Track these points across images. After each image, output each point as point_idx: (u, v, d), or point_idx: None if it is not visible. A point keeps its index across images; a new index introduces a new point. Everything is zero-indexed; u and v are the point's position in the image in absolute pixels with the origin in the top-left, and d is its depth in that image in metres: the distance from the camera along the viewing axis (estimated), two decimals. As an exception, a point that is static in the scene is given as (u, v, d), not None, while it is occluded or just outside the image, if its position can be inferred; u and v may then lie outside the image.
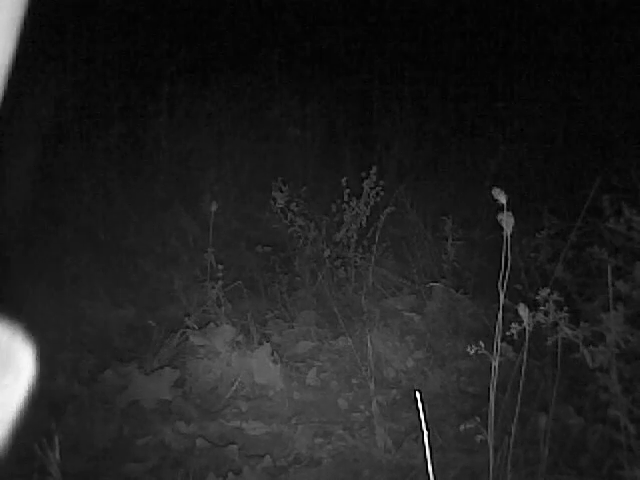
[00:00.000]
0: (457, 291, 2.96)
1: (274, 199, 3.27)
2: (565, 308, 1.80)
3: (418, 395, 1.44)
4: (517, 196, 3.64)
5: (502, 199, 1.51)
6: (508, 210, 1.52)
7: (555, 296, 1.79)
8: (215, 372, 2.61)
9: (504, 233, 1.54)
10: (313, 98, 4.76)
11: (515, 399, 1.79)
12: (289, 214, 3.26)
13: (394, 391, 2.55)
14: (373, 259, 3.17)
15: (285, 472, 2.14)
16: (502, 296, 1.61)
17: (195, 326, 2.76)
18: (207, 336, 2.70)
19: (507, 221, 1.52)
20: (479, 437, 1.75)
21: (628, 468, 1.76)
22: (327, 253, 3.22)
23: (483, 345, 1.71)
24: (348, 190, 3.18)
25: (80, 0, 4.45)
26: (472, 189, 4.13)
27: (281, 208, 3.27)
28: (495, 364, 1.67)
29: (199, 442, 2.25)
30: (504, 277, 1.58)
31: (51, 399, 2.47)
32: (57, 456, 1.53)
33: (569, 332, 1.78)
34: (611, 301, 1.80)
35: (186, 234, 3.74)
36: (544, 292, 1.79)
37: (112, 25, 4.50)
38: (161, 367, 2.59)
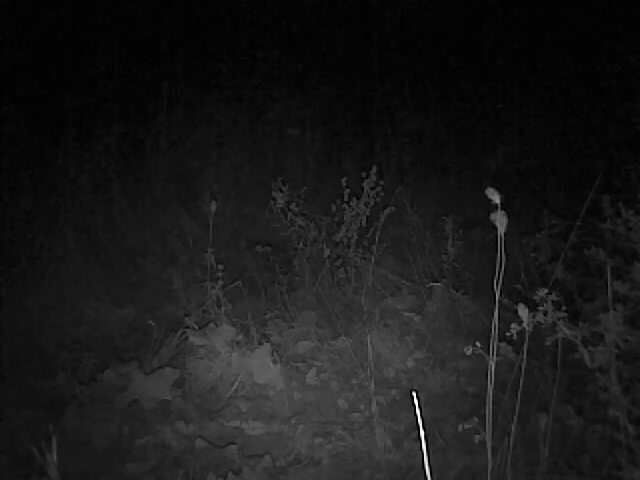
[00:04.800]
0: (457, 291, 2.96)
1: (274, 199, 3.27)
2: (564, 308, 1.80)
3: (415, 395, 1.45)
4: (517, 196, 3.67)
5: (496, 199, 1.51)
6: (502, 210, 1.52)
7: (554, 296, 1.78)
8: (215, 372, 2.61)
9: (498, 232, 1.54)
10: (313, 98, 4.76)
11: (515, 399, 1.79)
12: (289, 214, 3.26)
13: (394, 391, 2.56)
14: (373, 259, 3.17)
15: (285, 472, 2.14)
16: (497, 295, 1.61)
17: (195, 326, 2.75)
18: (207, 336, 2.70)
19: (500, 220, 1.53)
20: (477, 437, 1.74)
21: (628, 468, 1.75)
22: (327, 253, 3.22)
23: (480, 345, 1.71)
24: (348, 190, 3.18)
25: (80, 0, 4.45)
26: (472, 189, 4.13)
27: (281, 208, 3.27)
28: (492, 364, 1.67)
29: (199, 442, 2.25)
30: (499, 276, 1.59)
31: (51, 399, 2.48)
32: (55, 458, 1.53)
33: (568, 332, 1.78)
34: (610, 301, 1.80)
35: (186, 234, 3.74)
36: (542, 292, 1.79)
37: (112, 25, 4.50)
38: (161, 367, 2.59)
